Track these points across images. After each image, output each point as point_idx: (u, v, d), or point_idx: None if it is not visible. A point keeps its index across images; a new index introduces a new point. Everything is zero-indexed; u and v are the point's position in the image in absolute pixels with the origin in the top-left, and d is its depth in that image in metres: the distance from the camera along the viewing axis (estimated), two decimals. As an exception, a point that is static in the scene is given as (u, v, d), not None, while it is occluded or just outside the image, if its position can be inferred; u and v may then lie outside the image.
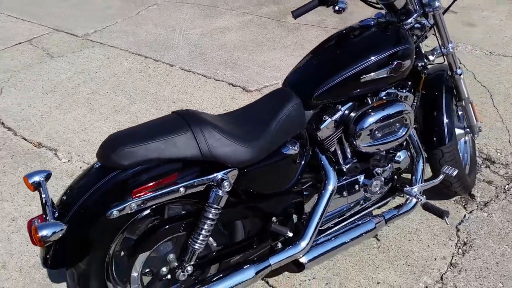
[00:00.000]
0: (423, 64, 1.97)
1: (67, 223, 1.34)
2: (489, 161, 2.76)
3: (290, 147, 1.67)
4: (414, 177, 2.04)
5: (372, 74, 1.73)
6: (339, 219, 1.96)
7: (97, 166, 1.45)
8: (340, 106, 1.79)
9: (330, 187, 1.79)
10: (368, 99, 1.85)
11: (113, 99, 3.44)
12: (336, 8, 1.84)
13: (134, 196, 1.41)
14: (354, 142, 1.78)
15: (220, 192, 1.51)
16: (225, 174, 1.51)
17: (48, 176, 1.47)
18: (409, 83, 2.00)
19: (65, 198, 1.43)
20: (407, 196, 1.99)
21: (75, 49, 4.24)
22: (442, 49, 2.06)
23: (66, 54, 4.14)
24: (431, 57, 2.07)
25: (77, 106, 3.36)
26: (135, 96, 3.48)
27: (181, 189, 1.45)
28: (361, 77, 1.72)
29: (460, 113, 2.40)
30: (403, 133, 1.86)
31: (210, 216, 1.53)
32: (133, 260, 1.53)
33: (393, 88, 1.90)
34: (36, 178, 1.45)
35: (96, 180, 1.41)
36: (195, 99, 3.44)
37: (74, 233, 1.37)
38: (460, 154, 2.52)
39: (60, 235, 1.29)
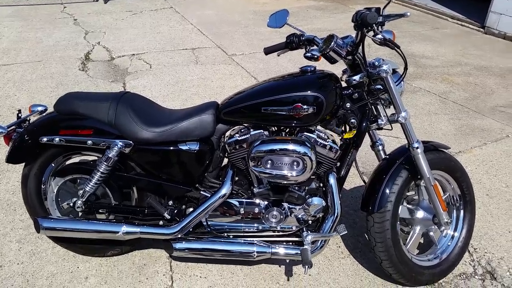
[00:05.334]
0: (355, 120, 1.96)
1: (18, 133, 2.01)
2: (490, 274, 2.32)
3: (188, 145, 1.98)
4: (321, 227, 2.02)
5: (272, 108, 1.88)
6: (235, 233, 2.11)
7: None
8: (252, 130, 1.99)
9: (217, 195, 1.99)
10: (282, 133, 1.98)
11: (196, 100, 4.13)
12: (308, 54, 2.02)
13: (60, 133, 1.99)
14: (249, 163, 1.95)
15: (111, 154, 1.95)
16: (122, 143, 1.95)
17: (44, 110, 2.19)
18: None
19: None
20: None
21: (215, 63, 5.17)
22: (390, 116, 1.99)
23: (206, 64, 5.10)
24: (379, 121, 2.03)
25: (177, 99, 4.18)
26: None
27: (89, 141, 1.97)
28: (263, 108, 1.89)
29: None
30: (295, 174, 1.90)
31: (101, 170, 1.99)
32: (51, 181, 2.11)
33: (314, 133, 1.97)
34: (39, 108, 2.18)
35: (45, 115, 2.06)
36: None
37: (21, 143, 2.02)
38: (439, 246, 2.27)
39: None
